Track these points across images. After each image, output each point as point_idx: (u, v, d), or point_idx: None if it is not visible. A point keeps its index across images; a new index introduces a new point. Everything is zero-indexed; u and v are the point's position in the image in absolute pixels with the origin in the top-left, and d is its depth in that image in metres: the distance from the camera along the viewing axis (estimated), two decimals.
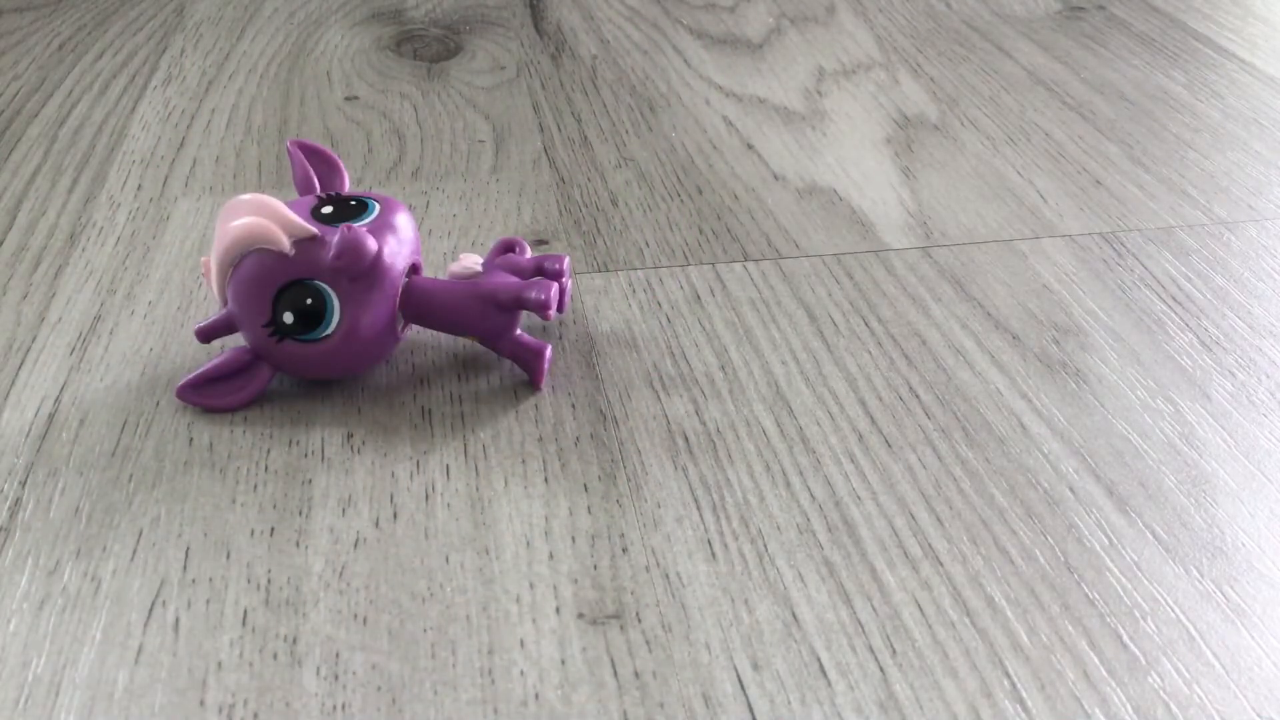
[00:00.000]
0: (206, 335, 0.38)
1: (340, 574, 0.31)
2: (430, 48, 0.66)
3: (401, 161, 0.54)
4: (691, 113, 0.58)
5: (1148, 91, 0.59)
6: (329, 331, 0.36)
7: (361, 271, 0.36)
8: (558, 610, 0.30)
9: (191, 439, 0.37)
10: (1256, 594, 0.31)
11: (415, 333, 0.41)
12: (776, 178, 0.52)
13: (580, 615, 0.30)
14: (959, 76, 0.61)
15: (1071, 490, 0.34)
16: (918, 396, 0.38)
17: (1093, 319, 0.41)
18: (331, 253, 0.35)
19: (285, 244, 0.36)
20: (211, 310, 0.43)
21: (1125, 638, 0.29)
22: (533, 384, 0.38)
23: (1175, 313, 0.42)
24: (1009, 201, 0.49)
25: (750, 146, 0.54)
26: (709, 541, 0.32)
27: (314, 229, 0.36)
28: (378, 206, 0.38)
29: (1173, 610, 0.30)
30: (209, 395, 0.38)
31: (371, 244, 0.36)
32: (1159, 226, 0.47)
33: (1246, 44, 0.64)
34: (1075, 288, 0.43)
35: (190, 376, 0.38)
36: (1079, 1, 0.70)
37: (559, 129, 0.56)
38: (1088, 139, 0.54)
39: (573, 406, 0.38)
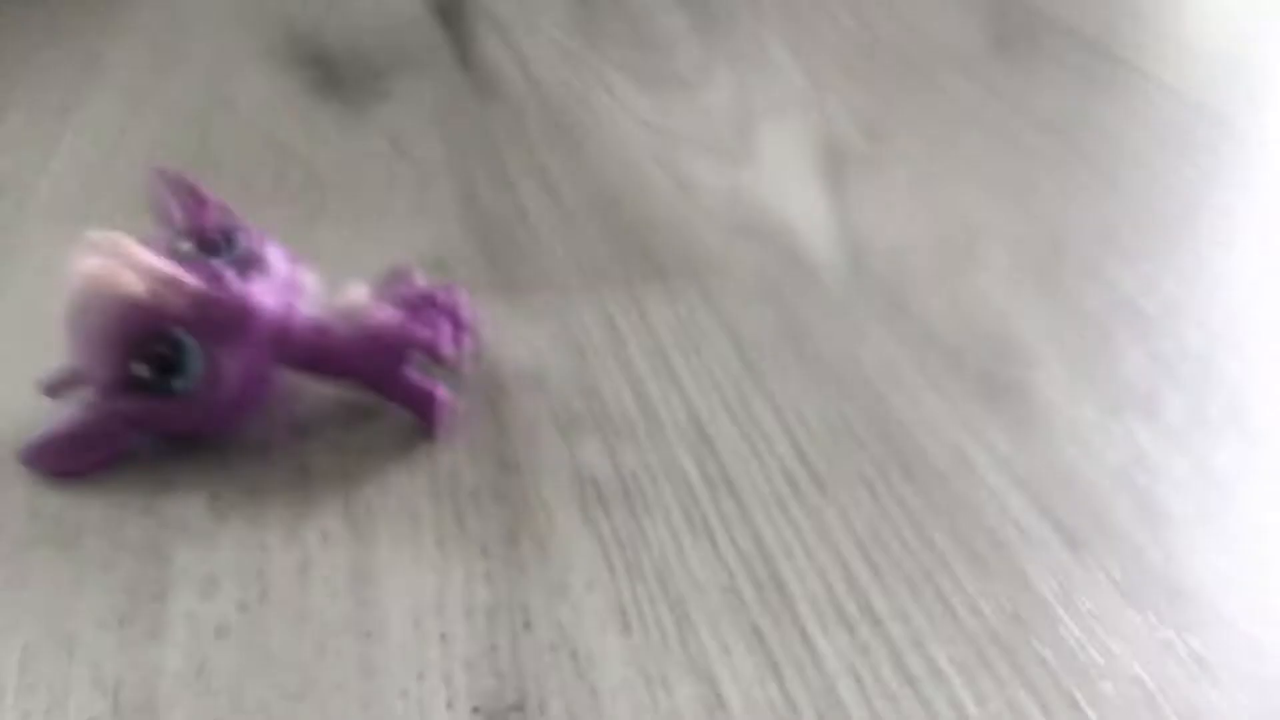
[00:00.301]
0: (53, 390, 0.34)
1: (200, 672, 0.27)
2: (353, 88, 0.62)
3: (321, 208, 0.49)
4: (620, 150, 0.54)
5: (1077, 120, 0.56)
6: (189, 385, 0.32)
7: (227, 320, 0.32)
8: (449, 704, 0.27)
9: (36, 511, 0.32)
10: (1218, 640, 0.28)
11: (295, 377, 0.37)
12: (705, 212, 0.48)
13: (475, 709, 0.26)
14: (889, 110, 0.58)
15: (1019, 528, 0.31)
16: (851, 428, 0.35)
17: (1036, 334, 0.39)
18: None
19: (136, 288, 0.32)
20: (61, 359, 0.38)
21: (1081, 701, 0.26)
22: (426, 430, 0.35)
23: (1123, 325, 0.39)
24: (942, 216, 0.46)
25: (680, 182, 0.51)
26: (623, 610, 0.29)
27: (169, 270, 0.32)
28: (244, 241, 0.34)
29: (1131, 665, 0.27)
30: (58, 459, 0.33)
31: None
32: (1101, 229, 0.44)
33: (1173, 71, 0.62)
34: (1016, 302, 0.40)
35: (36, 438, 0.33)
36: (1007, 31, 0.68)
37: (483, 169, 0.52)
38: (1021, 169, 0.52)
39: (471, 454, 0.34)
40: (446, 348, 0.34)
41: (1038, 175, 0.48)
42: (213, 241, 0.33)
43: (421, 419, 0.34)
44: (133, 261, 0.32)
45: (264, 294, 0.33)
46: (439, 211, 0.47)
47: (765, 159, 0.50)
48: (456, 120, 0.55)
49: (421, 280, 0.37)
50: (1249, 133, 0.52)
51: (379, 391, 0.35)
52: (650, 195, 0.48)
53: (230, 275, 0.32)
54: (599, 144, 0.52)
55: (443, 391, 0.34)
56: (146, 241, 0.33)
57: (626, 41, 0.65)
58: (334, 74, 0.61)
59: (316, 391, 0.36)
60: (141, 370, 0.32)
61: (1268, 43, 0.63)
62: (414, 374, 0.35)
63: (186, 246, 0.33)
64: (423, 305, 0.36)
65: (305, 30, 0.67)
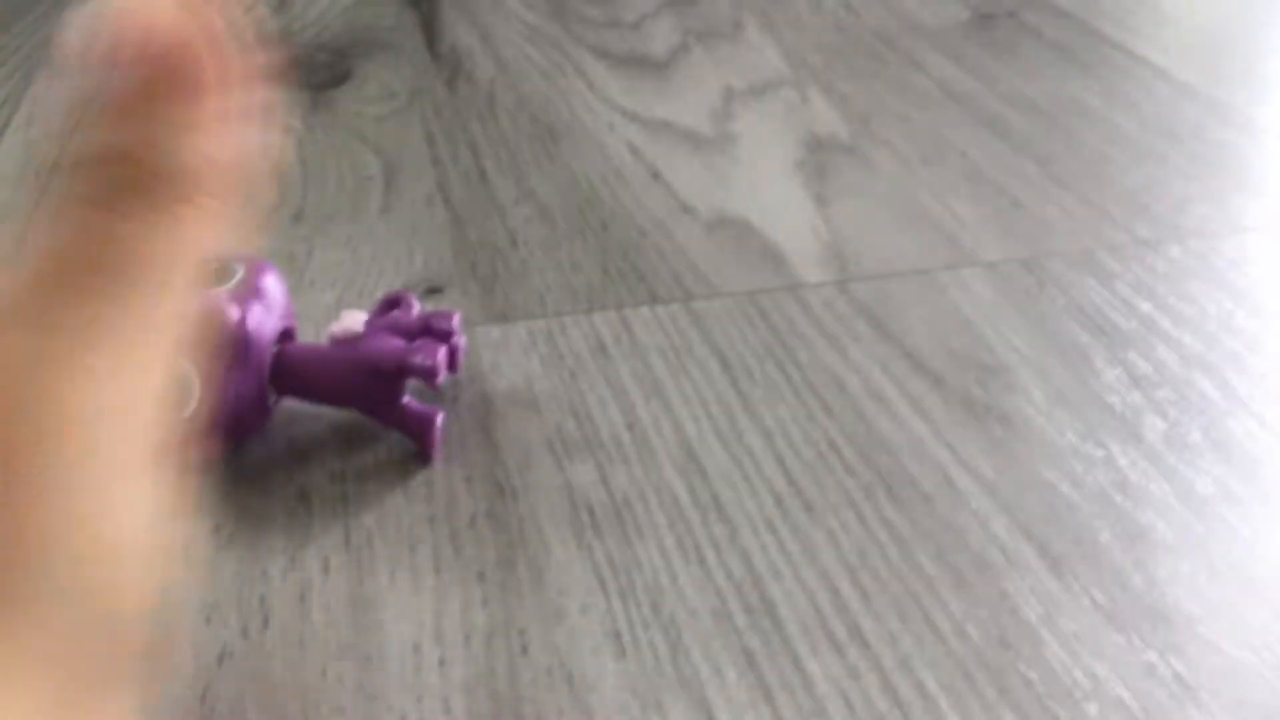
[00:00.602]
0: None
1: (203, 698, 0.28)
2: (316, 74, 0.63)
3: (282, 204, 0.50)
4: (595, 140, 0.55)
5: (1062, 103, 0.57)
6: (187, 412, 0.32)
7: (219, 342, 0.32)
8: None
9: None
10: (1202, 662, 0.29)
11: (293, 403, 0.38)
12: (685, 209, 0.49)
13: None
14: (870, 93, 0.59)
15: (1002, 552, 0.32)
16: (838, 451, 0.35)
17: (1016, 355, 0.39)
18: None
19: None
20: None
21: None
22: (423, 456, 0.35)
23: (1101, 345, 0.40)
24: (925, 229, 0.47)
25: (656, 176, 0.52)
26: (617, 634, 0.30)
27: None
28: (241, 269, 0.34)
29: (1115, 687, 0.28)
30: None
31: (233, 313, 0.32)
32: (1080, 249, 0.45)
33: (1160, 50, 0.63)
34: (997, 321, 0.41)
35: None
36: (989, 9, 0.69)
37: (454, 162, 0.53)
38: (1003, 157, 0.52)
39: (467, 480, 0.35)
40: (443, 374, 0.34)
41: (1022, 167, 0.49)
42: (209, 271, 0.34)
43: (419, 444, 0.35)
44: None
45: (260, 323, 0.33)
46: (420, 222, 0.47)
47: (746, 153, 0.51)
48: (425, 107, 0.56)
49: (417, 306, 0.38)
50: (1238, 115, 0.53)
51: (377, 419, 0.35)
52: (630, 196, 0.48)
53: (228, 302, 0.33)
54: (575, 140, 0.52)
55: (440, 417, 0.35)
56: None
57: (598, 21, 0.66)
58: (295, 58, 0.61)
59: (317, 415, 0.37)
60: None
61: (1259, 23, 0.64)
62: (411, 401, 0.35)
63: None
64: (418, 331, 0.36)
65: (268, 8, 0.67)
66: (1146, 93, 0.58)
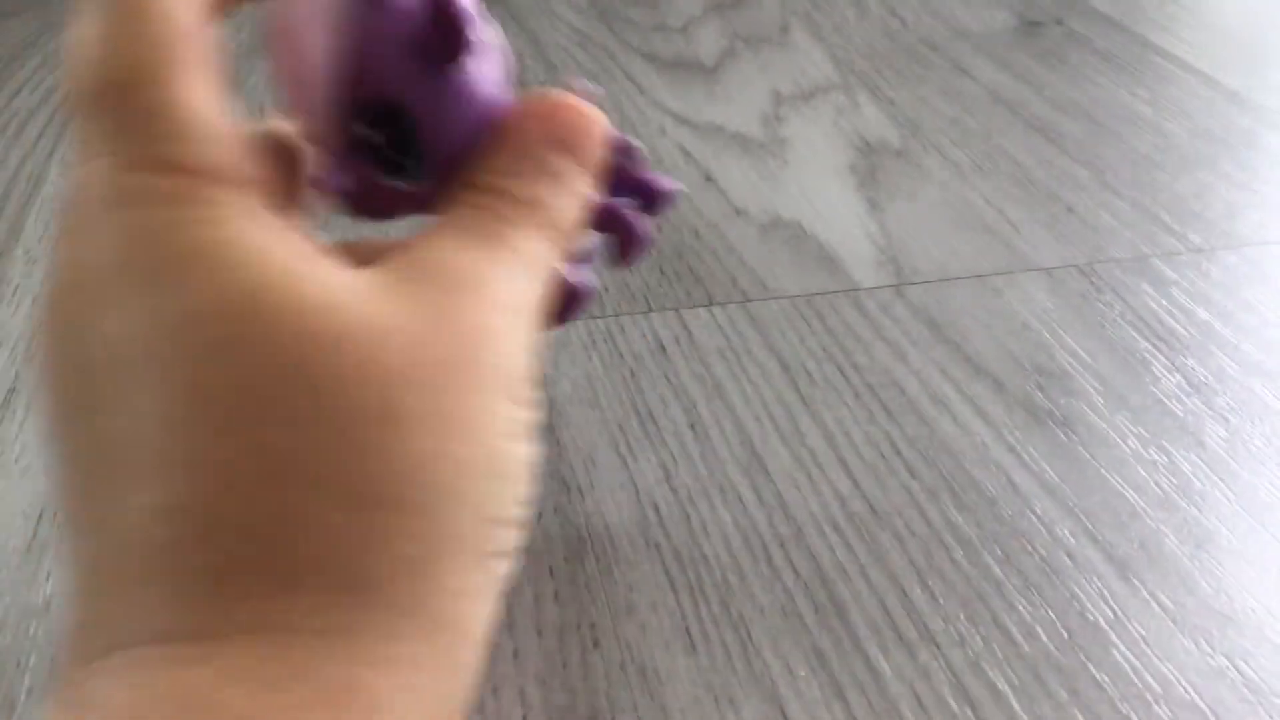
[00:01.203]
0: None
1: None
2: None
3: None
4: (647, 143, 0.55)
5: (1111, 109, 0.57)
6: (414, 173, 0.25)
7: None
8: (525, 719, 0.27)
9: None
10: (1271, 667, 0.29)
11: None
12: (738, 212, 0.49)
13: None
14: (919, 98, 0.59)
15: (1070, 556, 0.32)
16: (900, 453, 0.36)
17: (1075, 360, 0.40)
18: None
19: None
20: None
21: None
22: (627, 256, 0.28)
23: (1160, 351, 0.40)
24: (980, 233, 0.47)
25: (709, 179, 0.52)
26: (687, 629, 0.30)
27: None
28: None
29: (1186, 691, 0.28)
30: None
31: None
32: (1135, 256, 0.45)
33: (1207, 56, 0.63)
34: (1055, 326, 0.41)
35: None
36: (1035, 16, 0.69)
37: None
38: (1055, 162, 0.53)
39: (536, 476, 0.35)
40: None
41: (1074, 173, 0.49)
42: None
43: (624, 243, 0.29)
44: None
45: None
46: None
47: (797, 156, 0.51)
48: None
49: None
50: None
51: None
52: (683, 198, 0.49)
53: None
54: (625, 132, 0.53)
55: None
56: None
57: (644, 25, 0.67)
58: None
59: None
60: (371, 134, 0.24)
61: None
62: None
63: None
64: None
65: None
66: (1195, 99, 0.58)
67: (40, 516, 0.34)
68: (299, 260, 0.20)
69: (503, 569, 0.21)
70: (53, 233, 0.22)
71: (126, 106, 0.20)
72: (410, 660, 0.19)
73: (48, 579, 0.32)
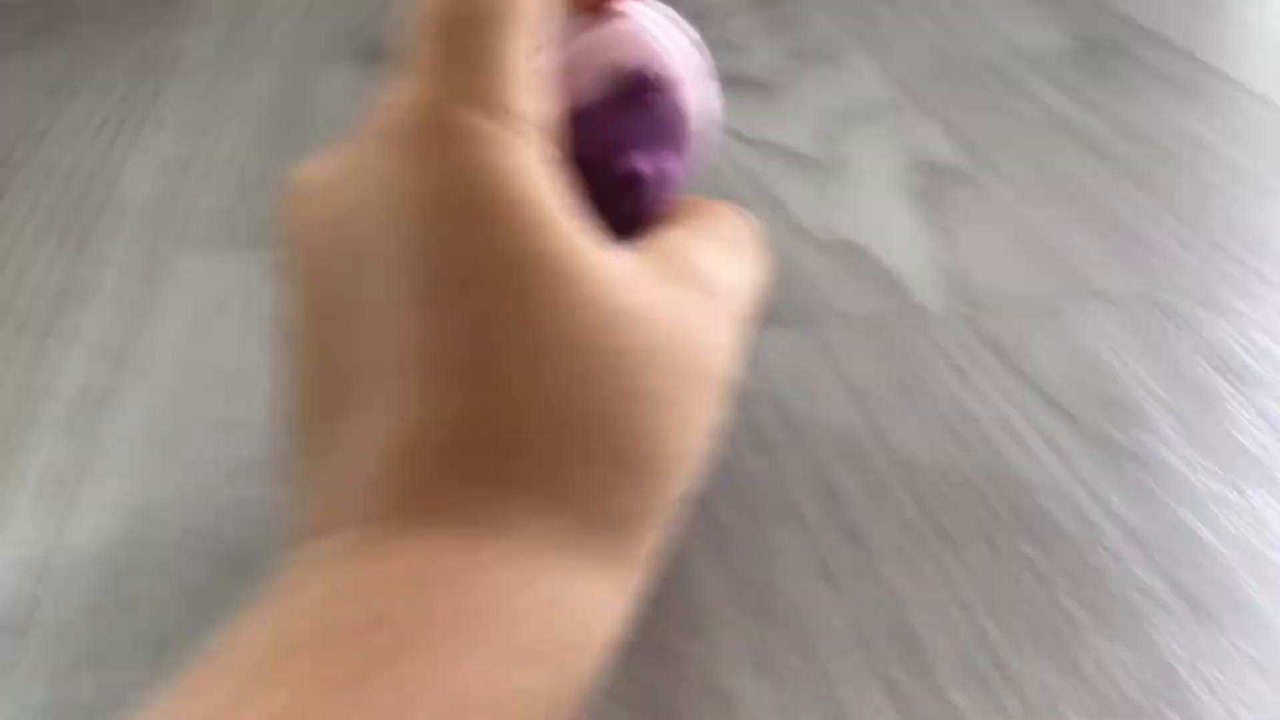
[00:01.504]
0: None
1: None
2: None
3: None
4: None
5: (1173, 134, 0.57)
6: None
7: None
8: None
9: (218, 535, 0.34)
10: None
11: None
12: (798, 232, 0.49)
13: None
14: (977, 119, 0.59)
15: (1144, 593, 0.32)
16: (970, 483, 0.35)
17: (1147, 393, 0.39)
18: None
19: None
20: (228, 384, 0.39)
21: None
22: None
23: (1235, 387, 0.40)
24: (1044, 258, 0.47)
25: (767, 197, 0.52)
26: (756, 652, 0.30)
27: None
28: None
29: None
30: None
31: None
32: (1205, 287, 0.45)
33: (1270, 82, 0.62)
34: (1125, 358, 0.41)
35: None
36: (1091, 35, 0.68)
37: None
38: (1118, 188, 0.52)
39: None
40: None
41: (1138, 199, 0.49)
42: None
43: None
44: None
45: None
46: None
47: (855, 175, 0.51)
48: None
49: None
50: None
51: None
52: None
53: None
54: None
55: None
56: None
57: (699, 42, 0.66)
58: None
59: None
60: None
61: None
62: None
63: None
64: None
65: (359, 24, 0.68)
66: (1259, 126, 0.57)
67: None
68: (579, 230, 0.22)
69: (653, 551, 0.25)
70: (340, 140, 0.24)
71: (469, 39, 0.22)
72: (607, 594, 0.23)
73: None
